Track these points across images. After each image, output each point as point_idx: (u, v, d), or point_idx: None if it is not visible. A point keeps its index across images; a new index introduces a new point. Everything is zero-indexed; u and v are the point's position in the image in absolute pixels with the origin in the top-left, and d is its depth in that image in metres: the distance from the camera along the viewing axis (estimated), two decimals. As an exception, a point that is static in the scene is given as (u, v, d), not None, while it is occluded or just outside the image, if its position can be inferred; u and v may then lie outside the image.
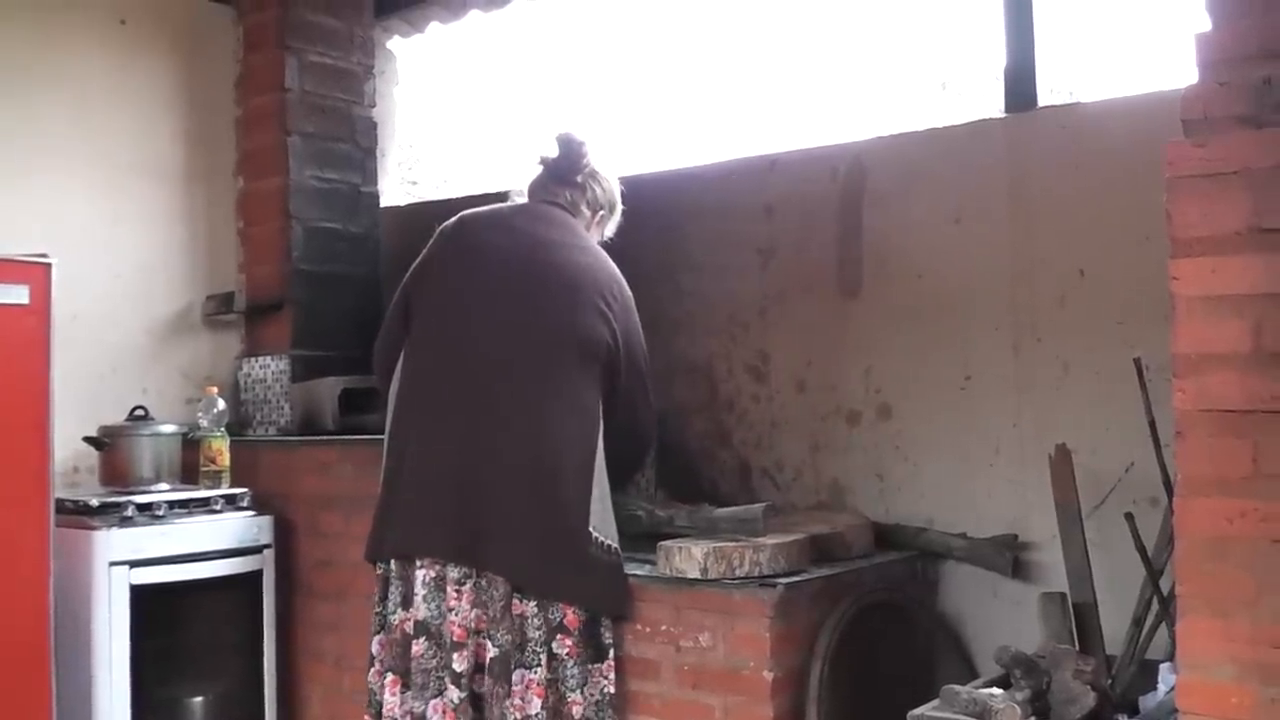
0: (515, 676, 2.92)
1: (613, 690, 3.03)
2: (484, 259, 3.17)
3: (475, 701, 2.99)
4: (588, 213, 3.34)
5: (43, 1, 4.21)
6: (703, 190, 4.13)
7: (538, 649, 2.93)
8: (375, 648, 3.16)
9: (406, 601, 3.06)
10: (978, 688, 2.73)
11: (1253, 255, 1.99)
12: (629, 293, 3.22)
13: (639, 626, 3.12)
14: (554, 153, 3.33)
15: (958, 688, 2.69)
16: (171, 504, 3.86)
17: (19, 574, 3.38)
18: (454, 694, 2.96)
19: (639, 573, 3.14)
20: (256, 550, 4.01)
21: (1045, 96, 3.59)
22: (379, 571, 3.17)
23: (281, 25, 4.53)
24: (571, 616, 2.97)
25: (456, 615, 2.96)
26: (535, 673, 2.92)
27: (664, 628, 3.08)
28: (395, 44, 5.26)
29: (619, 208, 3.44)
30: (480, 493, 2.98)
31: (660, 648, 3.08)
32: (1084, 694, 2.66)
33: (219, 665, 4.03)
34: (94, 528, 3.67)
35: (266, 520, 4.05)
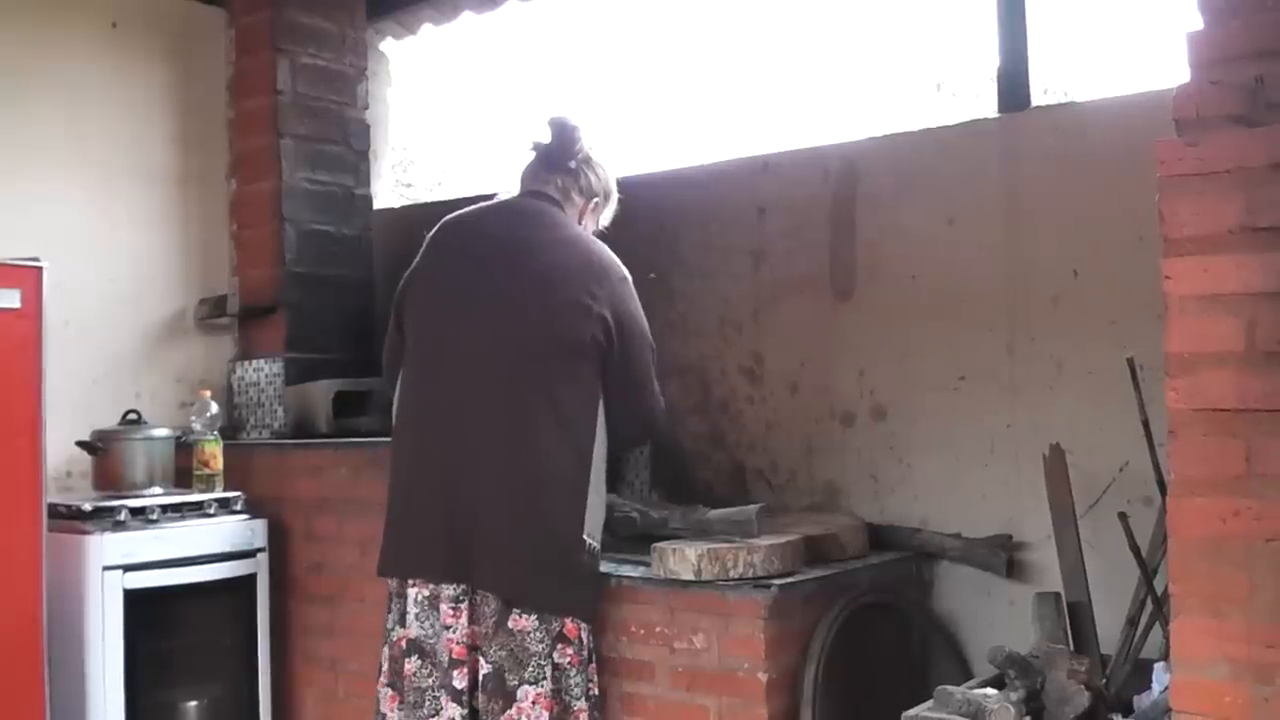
0: (520, 693, 2.89)
1: (597, 692, 3.04)
2: (460, 269, 3.13)
3: (474, 717, 2.97)
4: (580, 200, 3.25)
5: (33, 4, 4.20)
6: (694, 192, 4.13)
7: (541, 662, 2.91)
8: (382, 660, 3.14)
9: (403, 619, 3.04)
10: (972, 688, 2.73)
11: (1245, 254, 2.00)
12: (620, 274, 3.12)
13: (633, 628, 3.12)
14: (546, 138, 3.24)
15: (952, 688, 2.68)
16: (165, 508, 3.85)
17: (12, 579, 3.37)
18: (454, 711, 2.94)
19: (633, 574, 3.14)
20: (250, 554, 3.99)
21: (1038, 97, 3.60)
22: (388, 586, 3.15)
23: (273, 27, 4.52)
24: (571, 625, 2.96)
25: (454, 633, 2.95)
26: (542, 686, 2.89)
27: (658, 629, 3.07)
28: (388, 46, 5.26)
29: (615, 196, 3.34)
30: (468, 510, 2.95)
31: (654, 650, 3.08)
32: (1078, 694, 2.66)
33: (213, 669, 4.02)
34: (87, 532, 3.66)
35: (260, 524, 4.04)
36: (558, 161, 3.23)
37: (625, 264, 3.16)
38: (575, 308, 3.00)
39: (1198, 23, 2.10)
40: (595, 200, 3.29)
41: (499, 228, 3.18)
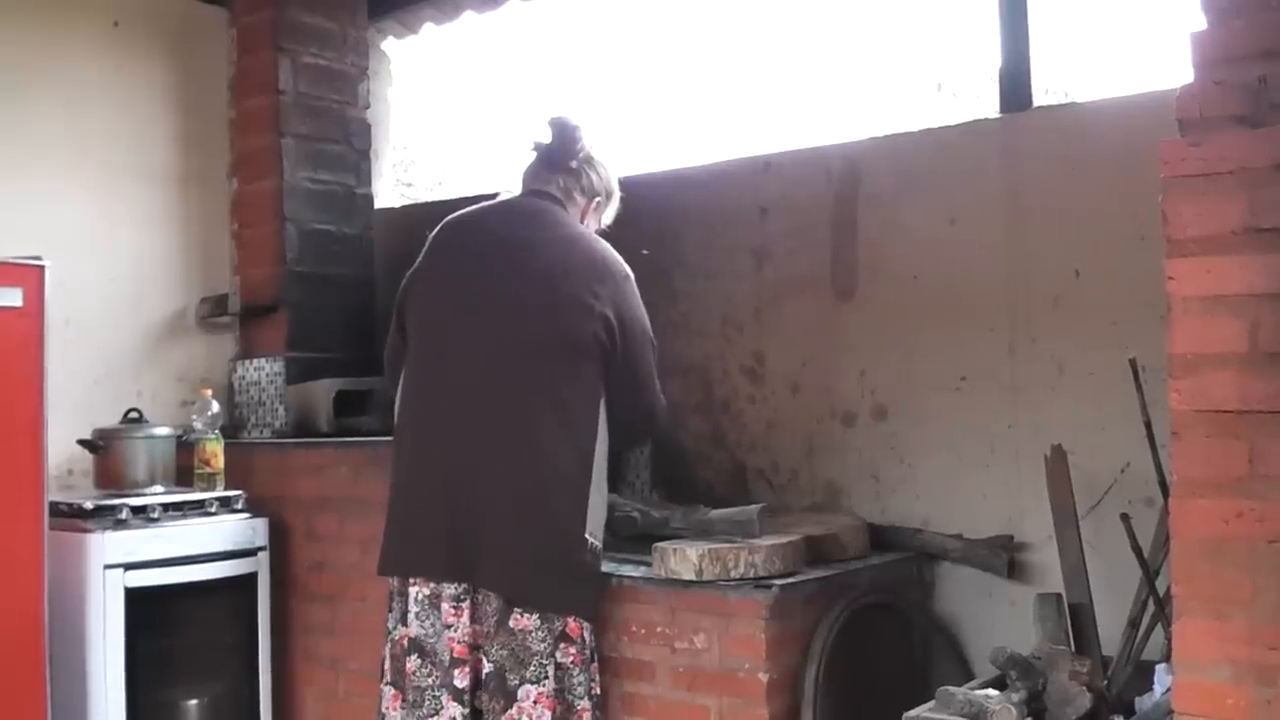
0: (521, 693, 2.89)
1: (599, 691, 3.04)
2: (462, 268, 3.13)
3: (477, 717, 2.97)
4: (581, 200, 3.25)
5: (35, 3, 4.20)
6: (697, 192, 4.13)
7: (544, 661, 2.91)
8: (384, 659, 3.14)
9: (404, 618, 3.04)
10: (973, 689, 2.73)
11: (1249, 255, 1.99)
12: (623, 272, 3.12)
13: (634, 628, 3.12)
14: (547, 138, 3.24)
15: (953, 689, 2.68)
16: (166, 506, 3.85)
17: (13, 577, 3.37)
18: (455, 710, 2.94)
19: (634, 574, 3.13)
20: (251, 553, 3.99)
21: (1040, 97, 3.59)
22: (389, 585, 3.14)
23: (275, 27, 4.52)
24: (573, 625, 2.96)
25: (455, 632, 2.95)
26: (544, 685, 2.90)
27: (659, 629, 3.07)
28: (389, 45, 5.26)
29: (616, 194, 3.34)
30: (470, 509, 2.95)
31: (655, 650, 3.08)
32: (1080, 695, 2.66)
33: (214, 668, 4.02)
34: (88, 530, 3.66)
35: (261, 523, 4.05)
36: (559, 161, 3.23)
37: (627, 262, 3.16)
38: (577, 307, 3.00)
39: (1201, 23, 2.09)
40: (597, 199, 3.29)
41: (501, 227, 3.18)
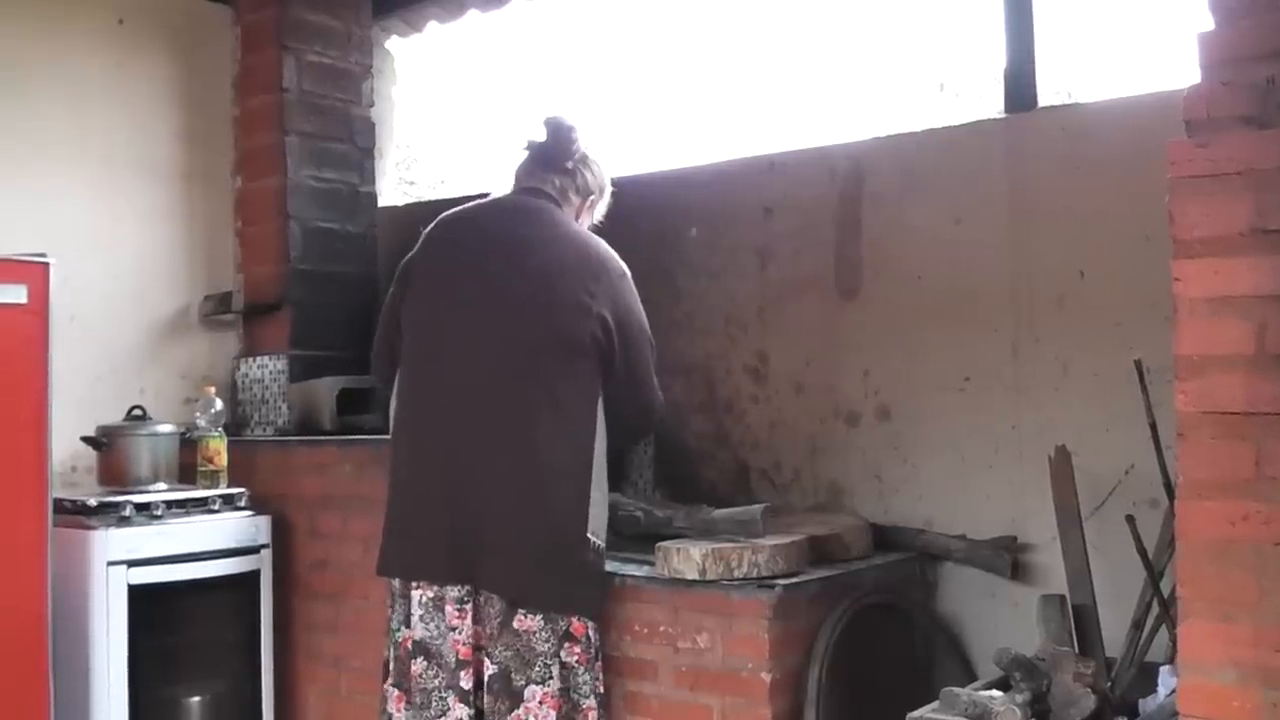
0: (527, 693, 2.89)
1: (603, 690, 3.03)
2: (459, 266, 3.12)
3: (480, 717, 2.96)
4: (576, 199, 3.24)
5: (41, 0, 4.20)
6: (701, 191, 4.13)
7: (548, 661, 2.91)
8: (388, 659, 3.13)
9: (407, 620, 3.04)
10: (977, 690, 2.73)
11: (1256, 256, 1.99)
12: (619, 270, 3.11)
13: (636, 627, 3.12)
14: (542, 138, 3.23)
15: (957, 690, 2.68)
16: (169, 504, 3.86)
17: (17, 573, 3.38)
18: (462, 711, 2.93)
19: (637, 574, 3.13)
20: (254, 550, 4.00)
21: (1045, 97, 3.59)
22: (390, 586, 3.14)
23: (279, 25, 4.52)
24: (578, 624, 2.96)
25: (460, 634, 2.94)
26: (548, 686, 2.89)
27: (662, 629, 3.07)
28: (393, 44, 5.26)
29: (609, 190, 3.34)
30: (471, 511, 2.95)
31: (658, 649, 3.08)
32: (1084, 696, 2.65)
33: (216, 665, 4.02)
34: (92, 527, 3.67)
35: (264, 520, 4.05)
36: (555, 161, 3.22)
37: (630, 264, 3.16)
38: (573, 306, 2.99)
39: (1209, 23, 2.09)
40: (592, 198, 3.29)
41: (498, 225, 3.17)
